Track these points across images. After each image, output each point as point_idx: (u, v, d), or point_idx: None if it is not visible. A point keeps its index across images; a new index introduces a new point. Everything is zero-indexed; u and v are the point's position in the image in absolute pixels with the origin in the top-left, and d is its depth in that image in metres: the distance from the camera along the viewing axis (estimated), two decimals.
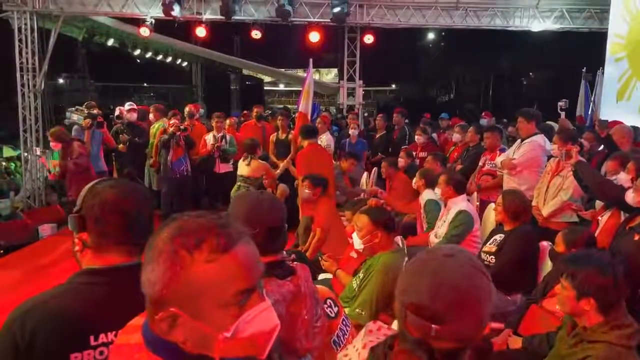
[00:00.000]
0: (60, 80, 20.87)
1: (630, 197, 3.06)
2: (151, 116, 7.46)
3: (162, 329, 0.90)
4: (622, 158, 3.89)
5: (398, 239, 3.57)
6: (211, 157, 7.06)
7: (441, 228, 4.28)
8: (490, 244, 3.63)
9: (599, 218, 3.63)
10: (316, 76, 24.77)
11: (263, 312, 0.91)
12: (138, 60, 18.08)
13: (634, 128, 6.08)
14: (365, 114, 13.45)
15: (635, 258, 2.92)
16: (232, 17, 8.90)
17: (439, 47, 26.51)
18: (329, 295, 2.02)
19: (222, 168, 7.15)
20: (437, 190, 4.62)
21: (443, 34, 24.12)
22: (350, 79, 10.71)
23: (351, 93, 10.72)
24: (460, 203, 4.24)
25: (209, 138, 7.12)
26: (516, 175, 4.95)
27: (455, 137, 6.95)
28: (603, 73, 9.07)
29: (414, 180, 5.03)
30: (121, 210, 1.29)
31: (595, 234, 3.47)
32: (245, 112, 8.95)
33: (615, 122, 6.18)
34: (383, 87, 29.49)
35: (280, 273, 1.58)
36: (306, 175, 4.71)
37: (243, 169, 6.28)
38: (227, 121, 7.60)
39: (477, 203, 5.43)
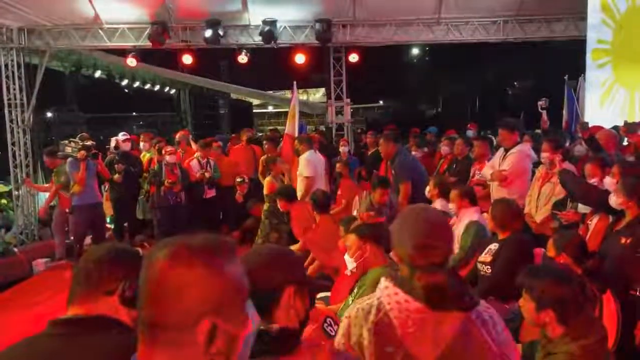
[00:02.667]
0: (49, 114, 20.88)
1: (612, 200, 3.13)
2: (142, 145, 7.50)
3: (201, 343, 0.89)
4: (601, 161, 3.97)
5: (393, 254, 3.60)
6: (199, 184, 7.12)
7: None
8: (485, 254, 3.65)
9: (589, 222, 3.68)
10: (304, 96, 24.97)
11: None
12: (126, 90, 18.16)
13: (615, 128, 6.20)
14: (359, 131, 13.56)
15: (622, 261, 2.97)
16: (218, 43, 9.01)
17: (424, 62, 26.86)
18: (329, 314, 2.03)
19: (209, 194, 7.22)
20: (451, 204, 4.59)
21: (427, 49, 24.49)
22: (338, 97, 10.81)
23: (339, 111, 10.82)
24: (472, 214, 4.27)
25: (194, 164, 7.18)
26: (506, 186, 5.00)
27: (444, 149, 7.04)
28: (585, 79, 9.25)
29: (427, 189, 4.94)
30: None
31: (586, 238, 3.53)
32: (233, 135, 9.00)
33: (598, 127, 6.29)
34: (371, 104, 29.74)
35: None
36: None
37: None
38: (213, 145, 7.68)
39: None
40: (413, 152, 7.38)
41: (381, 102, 30.93)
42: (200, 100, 21.92)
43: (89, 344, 1.26)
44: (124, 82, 15.18)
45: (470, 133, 9.21)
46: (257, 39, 9.10)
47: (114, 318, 1.34)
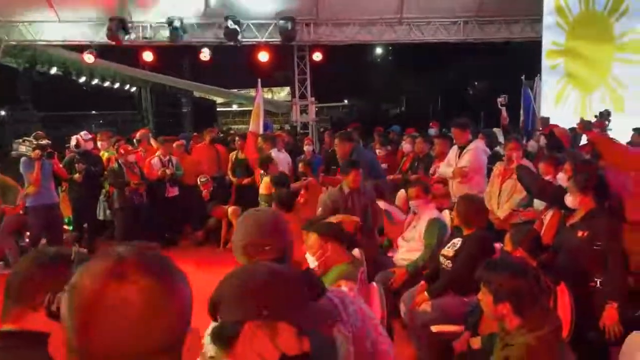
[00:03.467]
0: (2, 113, 20.05)
1: (569, 200, 3.24)
2: (100, 144, 7.30)
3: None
4: (553, 160, 4.12)
5: (356, 251, 3.62)
6: (161, 182, 6.99)
7: (410, 233, 4.36)
8: (448, 247, 3.72)
9: (543, 217, 3.80)
10: (269, 95, 24.87)
11: None
12: (84, 87, 17.64)
13: (572, 130, 6.44)
14: (321, 129, 13.58)
15: (579, 254, 3.08)
16: (180, 41, 8.86)
17: (387, 61, 27.13)
18: None
19: (171, 192, 7.09)
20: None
21: (390, 48, 24.76)
22: (302, 96, 10.83)
23: (304, 110, 10.83)
24: (431, 211, 4.35)
25: (155, 162, 7.05)
26: (466, 182, 5.12)
27: (406, 147, 7.14)
28: (540, 79, 9.55)
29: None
30: None
31: (541, 232, 3.64)
32: (195, 134, 8.88)
33: (554, 125, 6.52)
34: (336, 103, 29.85)
35: None
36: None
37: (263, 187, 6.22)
38: (174, 144, 7.55)
39: None
40: (377, 151, 7.44)
41: (346, 101, 31.10)
42: (162, 98, 21.50)
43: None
44: (82, 79, 14.73)
45: (432, 131, 9.36)
46: (220, 37, 9.00)
47: (45, 334, 1.21)
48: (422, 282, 3.74)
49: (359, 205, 4.42)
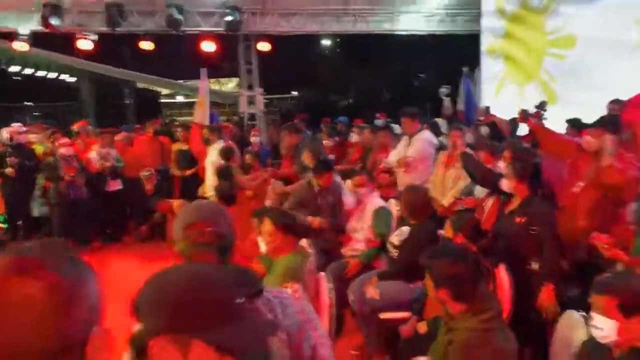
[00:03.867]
0: None
1: (504, 183, 3.36)
2: (33, 137, 6.94)
3: None
4: (491, 149, 4.26)
5: (304, 241, 3.62)
6: (101, 176, 6.72)
7: (357, 223, 4.37)
8: (395, 236, 3.78)
9: (484, 204, 3.93)
10: (216, 86, 24.37)
11: None
12: (16, 77, 16.65)
13: (512, 120, 6.69)
14: (270, 121, 13.46)
15: (518, 238, 3.21)
16: (119, 28, 8.50)
17: (336, 53, 27.21)
18: None
19: (113, 186, 6.84)
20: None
21: (338, 40, 24.83)
22: (250, 87, 10.68)
23: (251, 101, 10.69)
24: (375, 200, 4.37)
25: (93, 155, 6.76)
26: (412, 172, 5.21)
27: (355, 138, 7.20)
28: (480, 71, 9.86)
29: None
30: None
31: (482, 219, 3.76)
32: (138, 126, 8.59)
33: (493, 116, 6.77)
34: (284, 95, 29.67)
35: None
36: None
37: None
38: (116, 136, 7.29)
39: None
40: (324, 142, 7.45)
41: (295, 92, 30.97)
42: (103, 89, 20.60)
43: None
44: (14, 69, 13.90)
45: (379, 122, 9.48)
46: (162, 25, 8.71)
47: None
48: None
49: (327, 203, 4.49)
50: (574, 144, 3.90)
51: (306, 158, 5.28)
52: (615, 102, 4.91)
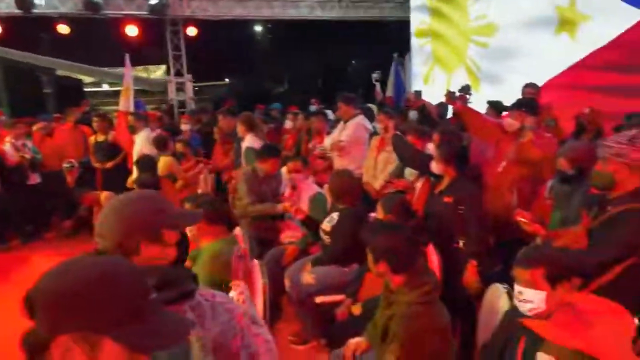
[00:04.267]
0: None
1: (433, 166, 3.45)
2: None
3: None
4: (418, 132, 4.38)
5: (238, 229, 3.55)
6: (18, 169, 6.26)
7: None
8: (327, 222, 3.79)
9: (415, 186, 4.03)
10: (144, 74, 23.40)
11: None
12: None
13: (440, 105, 6.90)
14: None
15: (446, 218, 3.31)
16: (32, 11, 7.91)
17: (267, 39, 26.88)
18: None
19: (32, 180, 6.41)
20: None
21: (270, 26, 24.52)
22: (178, 73, 10.32)
23: (180, 88, 10.34)
24: (311, 186, 4.37)
25: (7, 148, 6.29)
26: (345, 156, 5.25)
27: (288, 124, 7.16)
28: (411, 58, 10.08)
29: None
30: None
31: (413, 200, 3.86)
32: (57, 115, 8.05)
33: (423, 101, 6.95)
34: (217, 82, 29.01)
35: None
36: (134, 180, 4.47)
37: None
38: (34, 127, 6.82)
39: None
40: None
41: (227, 79, 30.35)
42: (17, 77, 19.11)
43: None
44: None
45: (313, 108, 9.49)
46: (80, 8, 8.20)
47: None
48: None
49: (271, 190, 4.39)
50: (497, 126, 4.07)
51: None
52: (529, 86, 5.16)
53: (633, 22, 5.25)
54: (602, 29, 5.60)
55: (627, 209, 2.35)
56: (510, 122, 3.76)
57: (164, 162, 5.48)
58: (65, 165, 6.41)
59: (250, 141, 5.31)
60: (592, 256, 2.40)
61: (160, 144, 5.72)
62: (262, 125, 7.14)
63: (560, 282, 1.90)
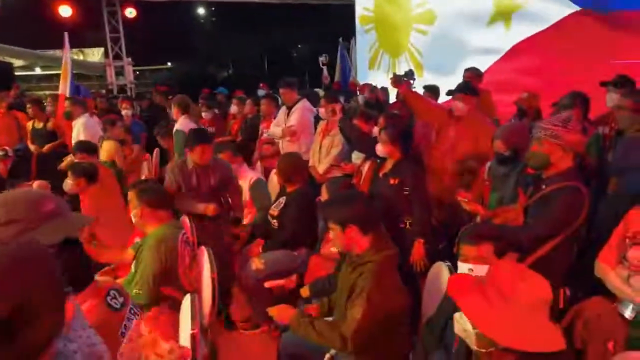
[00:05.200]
0: None
1: (379, 149, 3.52)
2: None
3: None
4: (364, 115, 4.46)
5: (184, 217, 3.49)
6: None
7: None
8: (275, 207, 3.80)
9: (361, 168, 4.09)
10: (80, 57, 22.28)
11: None
12: None
13: (384, 89, 7.00)
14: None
15: (392, 199, 3.39)
16: None
17: (211, 22, 26.27)
18: (112, 286, 1.89)
19: None
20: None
21: (213, 8, 23.95)
22: (117, 57, 9.90)
23: (120, 72, 9.94)
24: (247, 174, 4.33)
25: None
26: (296, 141, 5.25)
27: (233, 109, 7.06)
28: (356, 42, 10.13)
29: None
30: None
31: (360, 183, 3.93)
32: None
33: (366, 84, 7.02)
34: (159, 66, 28.15)
35: None
36: (69, 166, 4.24)
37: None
38: None
39: (261, 170, 5.65)
40: (203, 114, 7.20)
41: (169, 64, 29.50)
42: None
43: None
44: None
45: (261, 92, 9.38)
46: None
47: None
48: (258, 241, 3.80)
49: (207, 184, 3.72)
50: (441, 109, 4.18)
51: None
52: (469, 70, 5.34)
53: (566, 12, 5.53)
54: (535, 17, 5.87)
55: (559, 187, 2.49)
56: (458, 105, 3.87)
57: (107, 147, 5.28)
58: None
59: (182, 124, 5.16)
60: (527, 232, 2.54)
61: (108, 124, 5.56)
62: (197, 109, 7.03)
63: (505, 255, 2.01)
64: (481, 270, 1.99)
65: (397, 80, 4.29)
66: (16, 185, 5.71)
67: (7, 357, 0.81)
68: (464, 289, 1.56)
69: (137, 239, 3.08)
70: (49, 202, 1.52)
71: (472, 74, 5.22)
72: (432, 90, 5.71)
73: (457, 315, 1.62)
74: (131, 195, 2.81)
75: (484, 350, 1.51)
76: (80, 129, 5.89)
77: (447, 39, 7.50)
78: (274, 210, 3.74)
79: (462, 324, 1.58)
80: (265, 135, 5.79)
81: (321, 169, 4.76)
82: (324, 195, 3.28)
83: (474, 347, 1.54)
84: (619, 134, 3.33)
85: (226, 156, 4.16)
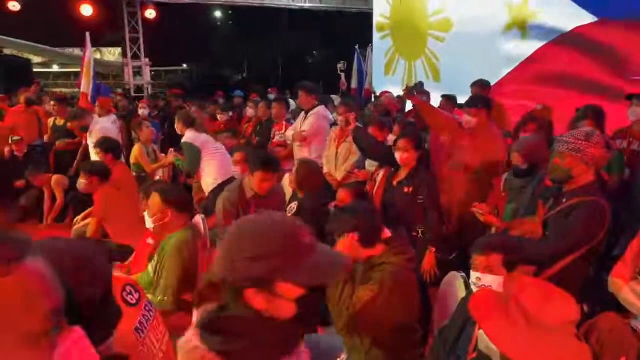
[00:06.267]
0: None
1: (399, 156, 3.50)
2: None
3: None
4: (379, 124, 4.44)
5: (197, 218, 3.50)
6: None
7: None
8: (287, 212, 3.79)
9: (375, 177, 4.08)
10: (97, 55, 22.56)
11: (79, 341, 0.70)
12: None
13: (399, 97, 7.00)
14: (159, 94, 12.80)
15: (406, 207, 3.39)
16: None
17: (228, 26, 26.47)
18: (128, 281, 1.89)
19: None
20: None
21: (230, 12, 24.14)
22: (136, 57, 10.01)
23: (138, 72, 10.05)
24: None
25: None
26: (306, 146, 5.26)
27: (249, 112, 7.10)
28: (372, 50, 10.17)
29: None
30: None
31: (374, 191, 3.92)
32: (2, 96, 7.58)
33: (385, 92, 7.03)
34: (175, 67, 28.38)
35: None
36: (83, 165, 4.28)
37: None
38: None
39: None
40: (219, 116, 7.26)
41: (185, 65, 29.74)
42: None
43: None
44: None
45: (271, 97, 9.43)
46: None
47: None
48: None
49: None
50: (453, 121, 4.17)
51: None
52: (475, 85, 5.30)
53: (582, 21, 5.51)
54: (550, 26, 5.88)
55: (580, 202, 2.47)
56: (467, 119, 3.86)
57: (134, 150, 5.43)
58: (12, 138, 6.12)
59: (190, 136, 4.93)
60: (546, 245, 2.52)
61: (137, 128, 5.56)
62: (202, 119, 7.05)
63: (516, 267, 2.00)
64: (489, 280, 2.01)
65: (409, 92, 4.28)
66: (37, 175, 5.80)
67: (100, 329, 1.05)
68: (486, 309, 1.54)
69: (150, 240, 3.10)
70: (306, 234, 1.20)
71: (479, 88, 5.19)
72: (450, 99, 5.70)
73: (481, 331, 1.61)
74: (155, 199, 2.70)
75: None
76: (97, 128, 5.95)
77: (464, 46, 7.53)
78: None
79: (486, 342, 1.57)
80: (277, 138, 5.80)
81: (339, 175, 4.76)
82: (339, 202, 3.27)
83: None
84: None
85: (240, 157, 4.17)
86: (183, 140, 4.97)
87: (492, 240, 2.15)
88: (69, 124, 6.26)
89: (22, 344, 0.61)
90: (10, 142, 6.10)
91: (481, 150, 3.75)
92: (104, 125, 5.96)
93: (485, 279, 2.02)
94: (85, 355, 0.69)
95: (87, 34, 7.01)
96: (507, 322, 1.46)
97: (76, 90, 8.71)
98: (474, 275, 2.10)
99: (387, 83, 9.17)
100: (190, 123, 5.09)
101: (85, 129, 5.73)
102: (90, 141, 5.68)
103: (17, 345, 0.61)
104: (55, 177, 5.81)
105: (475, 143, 3.80)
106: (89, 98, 6.63)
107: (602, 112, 3.67)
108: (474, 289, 2.07)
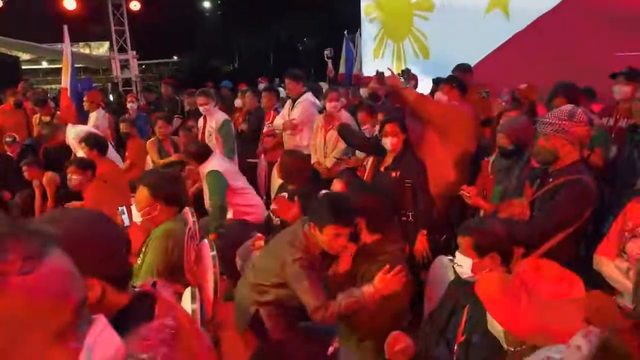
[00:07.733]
0: None
1: (389, 141, 3.47)
2: None
3: None
4: (369, 109, 4.41)
5: (186, 209, 3.48)
6: None
7: None
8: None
9: (364, 164, 4.09)
10: (86, 50, 22.34)
11: (103, 331, 0.69)
12: None
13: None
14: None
15: (395, 192, 3.38)
16: None
17: (217, 16, 26.18)
18: None
19: None
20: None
21: (219, 2, 23.87)
22: (122, 50, 9.91)
23: (125, 65, 9.95)
24: (207, 164, 4.13)
25: None
26: (297, 134, 5.23)
27: (237, 102, 7.07)
28: (361, 34, 10.10)
29: None
30: None
31: (365, 177, 3.91)
32: None
33: (370, 78, 6.98)
34: (165, 60, 28.12)
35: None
36: (71, 161, 4.25)
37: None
38: None
39: (265, 164, 5.67)
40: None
41: (175, 57, 29.46)
42: None
43: None
44: None
45: (261, 86, 9.36)
46: None
47: None
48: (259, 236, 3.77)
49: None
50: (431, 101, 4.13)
51: None
52: (457, 69, 5.22)
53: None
54: (533, 4, 5.86)
55: (565, 180, 2.46)
56: (439, 95, 3.86)
57: (148, 143, 5.55)
58: (7, 139, 6.08)
59: (215, 164, 4.18)
60: (534, 226, 2.52)
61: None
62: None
63: (487, 253, 2.00)
64: (459, 259, 2.07)
65: (379, 78, 4.12)
66: (33, 167, 5.74)
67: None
68: (492, 292, 1.58)
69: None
70: None
71: (460, 71, 5.14)
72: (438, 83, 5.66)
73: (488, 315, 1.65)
74: (143, 192, 2.60)
75: (512, 349, 1.53)
76: (94, 122, 5.97)
77: (448, 26, 7.56)
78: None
79: (493, 324, 1.61)
80: (266, 127, 5.77)
81: (329, 163, 4.74)
82: (335, 189, 3.25)
83: (505, 346, 1.56)
84: (634, 127, 3.28)
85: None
86: (207, 167, 4.14)
87: (469, 223, 2.19)
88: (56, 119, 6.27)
89: (52, 342, 0.62)
90: (5, 143, 6.05)
91: (448, 124, 3.67)
92: (96, 123, 5.99)
93: (458, 257, 2.08)
94: (110, 343, 0.69)
95: (65, 27, 6.90)
96: (510, 300, 1.51)
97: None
98: (459, 257, 2.12)
99: (377, 66, 9.12)
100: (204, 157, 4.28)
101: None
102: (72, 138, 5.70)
103: (47, 343, 0.62)
104: (47, 175, 5.76)
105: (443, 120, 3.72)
106: (68, 93, 6.60)
107: (574, 87, 3.64)
108: (456, 268, 2.11)
